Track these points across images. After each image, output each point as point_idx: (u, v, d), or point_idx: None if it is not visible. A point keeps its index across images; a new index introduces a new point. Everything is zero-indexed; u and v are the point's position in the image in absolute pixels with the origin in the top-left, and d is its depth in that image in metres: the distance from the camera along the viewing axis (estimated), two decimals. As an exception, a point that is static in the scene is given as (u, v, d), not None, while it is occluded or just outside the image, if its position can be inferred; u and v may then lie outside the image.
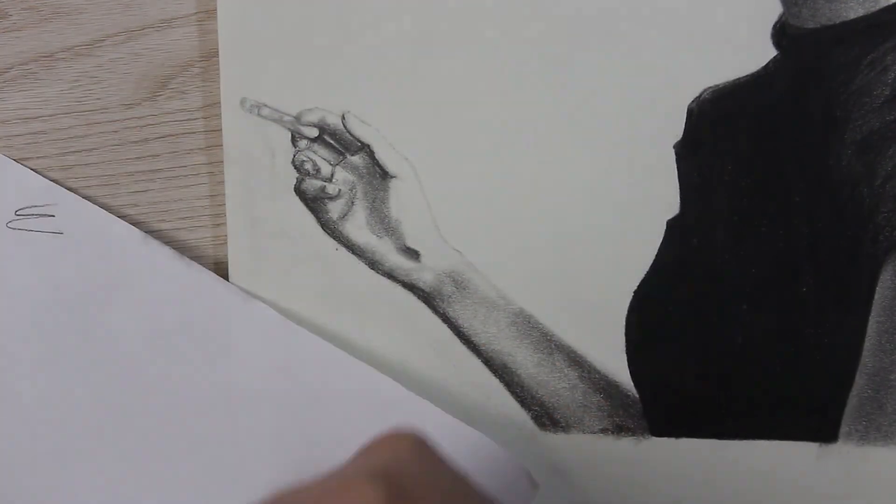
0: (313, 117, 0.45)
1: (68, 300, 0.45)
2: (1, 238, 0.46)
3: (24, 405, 0.46)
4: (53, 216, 0.45)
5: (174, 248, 0.45)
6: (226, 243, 0.46)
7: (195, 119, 0.45)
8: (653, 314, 0.45)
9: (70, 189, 0.46)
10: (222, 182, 0.45)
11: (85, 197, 0.46)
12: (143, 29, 0.45)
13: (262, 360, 0.45)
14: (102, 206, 0.46)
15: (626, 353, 0.46)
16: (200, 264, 0.46)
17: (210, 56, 0.45)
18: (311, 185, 0.45)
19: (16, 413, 0.46)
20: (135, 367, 0.45)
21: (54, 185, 0.45)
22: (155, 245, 0.45)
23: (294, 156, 0.45)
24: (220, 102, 0.45)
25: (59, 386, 0.46)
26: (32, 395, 0.46)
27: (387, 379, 0.45)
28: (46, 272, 0.45)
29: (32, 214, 0.45)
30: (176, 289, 0.45)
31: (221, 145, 0.45)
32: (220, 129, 0.45)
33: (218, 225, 0.46)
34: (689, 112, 0.44)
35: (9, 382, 0.46)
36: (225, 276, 0.46)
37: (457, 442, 0.45)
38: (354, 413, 0.45)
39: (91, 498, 0.46)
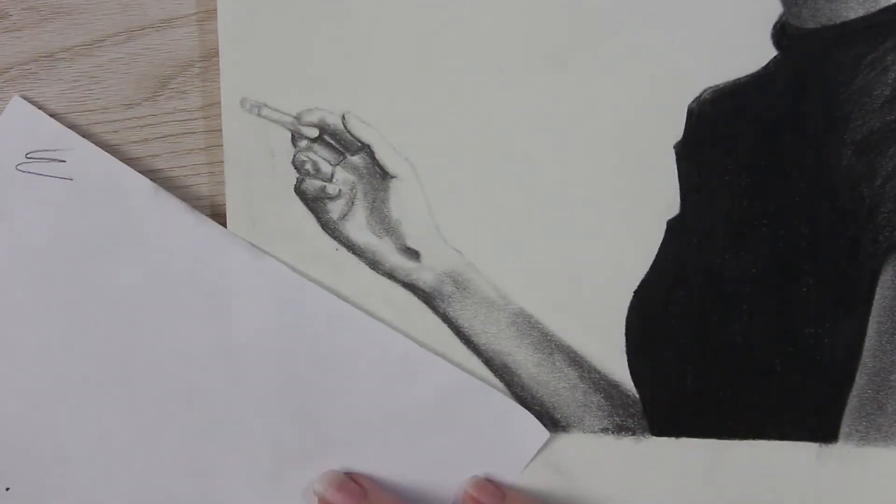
0: (313, 117, 0.45)
1: (75, 246, 0.45)
2: (10, 180, 0.45)
3: (24, 350, 0.45)
4: (64, 161, 0.44)
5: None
6: (226, 243, 0.46)
7: (195, 119, 0.45)
8: (653, 314, 0.45)
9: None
10: (222, 182, 0.45)
11: None
12: (143, 29, 0.45)
13: (271, 315, 0.45)
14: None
15: (626, 353, 0.46)
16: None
17: (210, 56, 0.45)
18: (311, 185, 0.45)
19: (15, 358, 0.45)
20: (139, 316, 0.45)
21: (67, 130, 0.45)
22: (166, 196, 0.45)
23: (294, 156, 0.45)
24: (220, 102, 0.45)
25: (61, 332, 0.45)
26: (33, 340, 0.45)
27: (397, 334, 0.45)
28: (54, 217, 0.45)
29: (43, 158, 0.44)
30: (185, 241, 0.45)
31: (221, 145, 0.45)
32: (220, 129, 0.45)
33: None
34: (689, 112, 0.44)
35: (9, 326, 0.45)
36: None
37: (466, 394, 0.46)
38: (364, 368, 0.45)
39: (89, 446, 0.46)
